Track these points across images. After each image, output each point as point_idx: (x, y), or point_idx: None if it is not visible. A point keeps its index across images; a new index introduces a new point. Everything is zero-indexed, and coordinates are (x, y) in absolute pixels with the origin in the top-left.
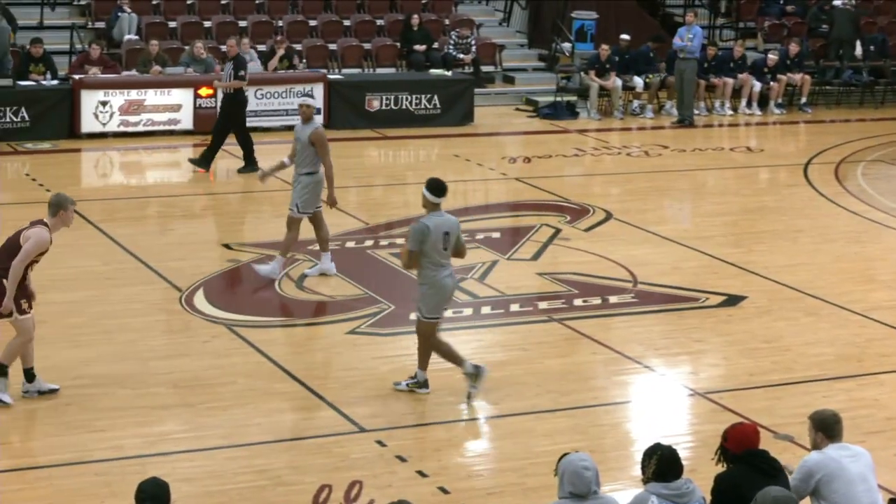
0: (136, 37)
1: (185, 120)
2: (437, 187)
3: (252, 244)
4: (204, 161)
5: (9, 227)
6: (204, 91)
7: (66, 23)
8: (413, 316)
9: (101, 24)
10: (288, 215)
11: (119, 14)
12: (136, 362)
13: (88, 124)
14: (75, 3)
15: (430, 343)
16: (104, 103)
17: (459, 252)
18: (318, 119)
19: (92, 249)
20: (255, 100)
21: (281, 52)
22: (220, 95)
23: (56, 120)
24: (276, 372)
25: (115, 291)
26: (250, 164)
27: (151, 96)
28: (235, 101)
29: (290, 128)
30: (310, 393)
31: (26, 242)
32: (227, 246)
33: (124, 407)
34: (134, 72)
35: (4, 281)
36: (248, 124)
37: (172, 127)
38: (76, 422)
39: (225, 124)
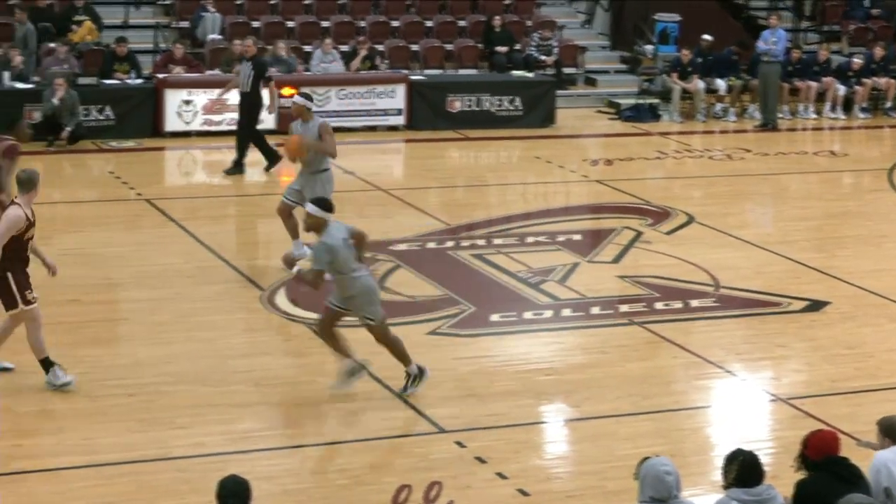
0: (220, 36)
1: (268, 119)
2: (326, 204)
3: None
4: (270, 160)
5: (89, 224)
6: (286, 91)
7: (150, 22)
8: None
9: (184, 24)
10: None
11: (203, 14)
12: (218, 360)
13: (172, 123)
14: (159, 2)
15: (324, 336)
16: (187, 102)
17: (362, 248)
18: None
19: (175, 247)
20: (338, 100)
21: (363, 52)
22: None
23: (140, 118)
24: None
25: (198, 289)
26: (238, 167)
27: (234, 96)
28: (253, 101)
29: (373, 128)
30: (390, 393)
31: None
32: (308, 245)
33: (206, 404)
34: (217, 71)
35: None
36: (331, 124)
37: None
38: (158, 418)
39: (250, 122)
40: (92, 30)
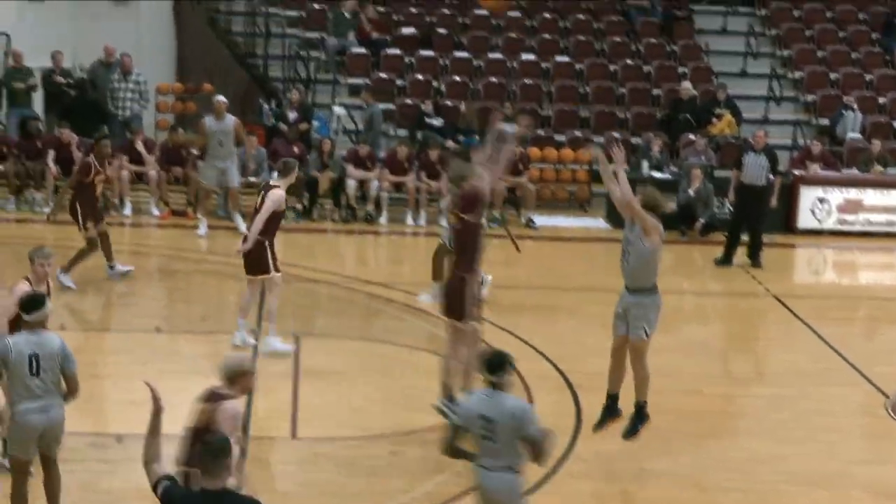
0: (859, 135)
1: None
2: None
3: None
4: (755, 259)
5: (716, 316)
6: None
7: (790, 118)
8: None
9: (824, 121)
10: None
11: (844, 112)
12: (837, 463)
13: (805, 220)
14: (802, 99)
15: None
16: (822, 200)
17: None
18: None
19: (800, 346)
20: None
21: None
22: None
23: (773, 214)
24: None
25: (820, 390)
26: (727, 259)
27: (870, 196)
28: (767, 195)
29: None
30: None
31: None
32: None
33: None
34: (854, 170)
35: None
36: None
37: (890, 228)
38: None
39: (760, 216)
40: (731, 123)
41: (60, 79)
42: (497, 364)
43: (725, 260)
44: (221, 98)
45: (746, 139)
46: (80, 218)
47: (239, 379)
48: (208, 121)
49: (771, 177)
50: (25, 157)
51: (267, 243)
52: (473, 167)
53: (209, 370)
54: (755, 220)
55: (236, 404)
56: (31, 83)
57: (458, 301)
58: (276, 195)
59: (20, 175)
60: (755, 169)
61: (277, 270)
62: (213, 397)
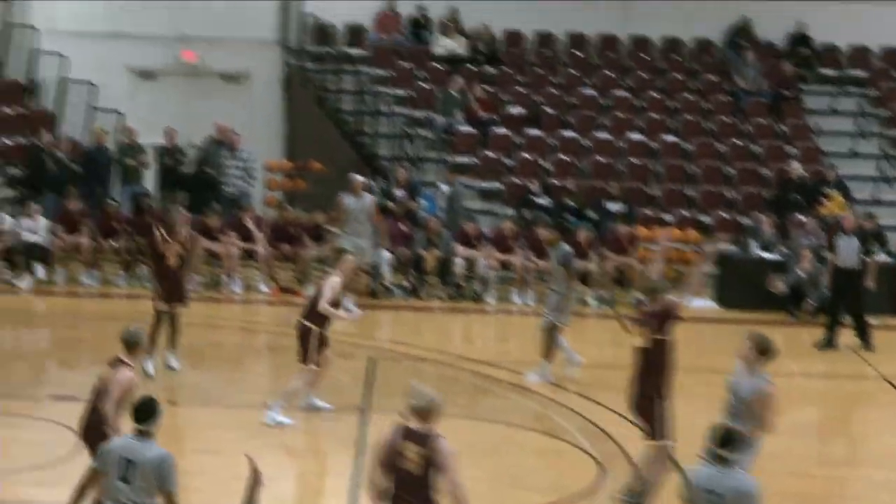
0: None
1: None
2: None
3: None
4: (864, 339)
5: (822, 398)
6: None
7: None
8: None
9: None
10: None
11: None
12: None
13: None
14: None
15: None
16: None
17: None
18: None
19: None
20: None
21: None
22: None
23: (880, 296)
24: None
25: None
26: (829, 343)
27: None
28: (861, 278)
29: None
30: None
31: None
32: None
33: None
34: None
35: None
36: None
37: None
38: None
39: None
40: (841, 204)
41: (168, 160)
42: (727, 439)
43: (827, 344)
44: (359, 177)
45: (838, 222)
46: (154, 290)
47: (430, 414)
48: (347, 199)
49: (865, 258)
50: (136, 232)
51: (319, 332)
52: (664, 282)
53: (313, 448)
54: (853, 302)
55: (447, 442)
56: (143, 160)
57: (651, 422)
58: (334, 282)
59: (131, 251)
60: (847, 252)
61: (317, 365)
62: (417, 438)
